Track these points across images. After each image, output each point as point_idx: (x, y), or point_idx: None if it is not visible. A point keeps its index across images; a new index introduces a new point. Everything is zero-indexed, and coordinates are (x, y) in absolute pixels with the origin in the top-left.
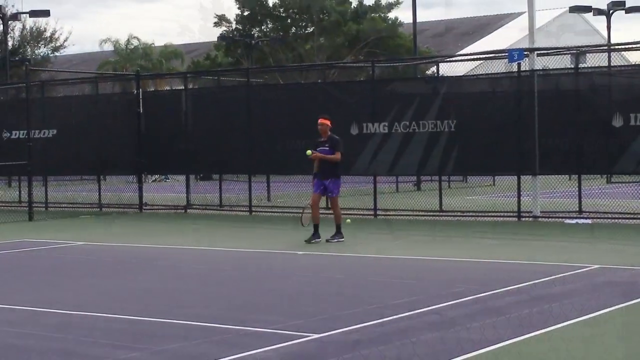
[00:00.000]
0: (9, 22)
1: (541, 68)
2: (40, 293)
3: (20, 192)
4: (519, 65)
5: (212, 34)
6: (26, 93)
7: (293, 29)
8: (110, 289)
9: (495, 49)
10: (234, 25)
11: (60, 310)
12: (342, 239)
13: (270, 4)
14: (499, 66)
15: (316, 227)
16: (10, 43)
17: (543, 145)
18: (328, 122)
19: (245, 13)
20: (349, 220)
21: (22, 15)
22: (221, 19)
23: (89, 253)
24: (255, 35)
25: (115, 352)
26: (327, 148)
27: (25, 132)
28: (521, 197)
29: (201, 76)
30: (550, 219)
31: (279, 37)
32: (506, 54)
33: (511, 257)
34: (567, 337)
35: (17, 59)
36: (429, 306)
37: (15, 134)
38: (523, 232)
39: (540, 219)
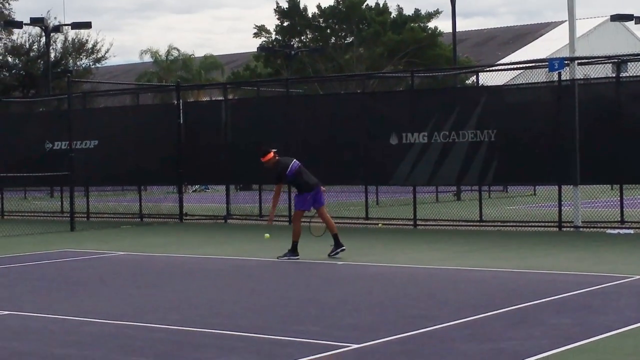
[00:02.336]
0: (52, 34)
1: (582, 77)
2: (82, 303)
3: (62, 202)
4: (559, 74)
5: (252, 45)
6: (68, 104)
7: (332, 39)
8: (150, 299)
9: (535, 58)
10: (273, 36)
11: (101, 319)
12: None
13: (310, 15)
14: (539, 75)
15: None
16: (52, 55)
17: (584, 155)
18: (269, 157)
19: (285, 24)
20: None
21: (64, 27)
22: (261, 30)
23: (129, 263)
24: (295, 45)
25: None
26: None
27: (67, 143)
28: (562, 207)
29: (241, 87)
30: (591, 229)
31: (319, 47)
32: (546, 64)
33: (552, 268)
34: (609, 348)
35: (59, 70)
36: (469, 317)
37: (58, 145)
38: (564, 242)
39: (581, 229)
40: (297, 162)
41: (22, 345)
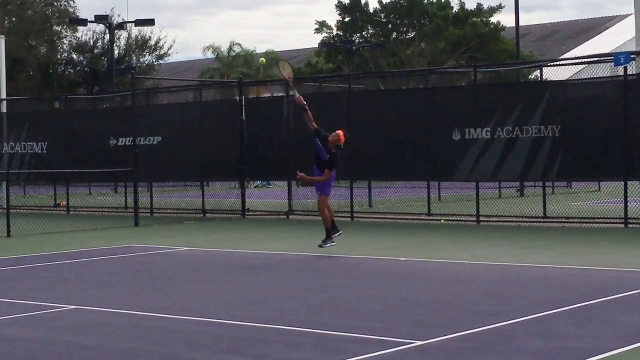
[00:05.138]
0: (115, 31)
1: None
2: (146, 297)
3: (126, 198)
4: (625, 68)
5: (313, 41)
6: (132, 101)
7: (394, 35)
8: (213, 294)
9: (600, 52)
10: (334, 32)
11: (166, 314)
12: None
13: (371, 10)
14: (604, 70)
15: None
16: (116, 52)
17: None
18: (343, 139)
19: (346, 19)
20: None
21: (127, 24)
22: (322, 26)
23: (193, 258)
24: (356, 41)
25: (220, 357)
26: (327, 156)
27: (131, 139)
28: (628, 203)
29: (302, 82)
30: None
31: (380, 42)
32: (612, 57)
33: (619, 265)
34: None
35: (122, 67)
36: (534, 314)
37: (122, 141)
38: (630, 239)
39: None
40: None
41: (88, 339)
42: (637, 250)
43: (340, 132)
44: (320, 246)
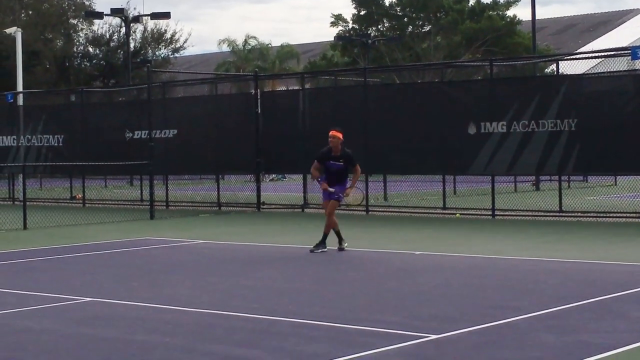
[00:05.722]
0: (131, 25)
1: None
2: (162, 290)
3: (142, 190)
4: None
5: (329, 34)
6: (148, 94)
7: (410, 28)
8: (229, 287)
9: (617, 46)
10: (350, 25)
11: (181, 307)
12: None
13: (387, 3)
14: (621, 64)
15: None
16: (132, 45)
17: None
18: (341, 136)
19: (362, 12)
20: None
21: (143, 17)
22: (338, 19)
23: (208, 251)
24: (372, 34)
25: (235, 350)
26: (341, 164)
27: (147, 132)
28: None
29: (318, 76)
30: None
31: (396, 36)
32: (629, 51)
33: (635, 259)
34: None
35: (138, 60)
36: (549, 308)
37: (138, 134)
38: None
39: None
40: None
41: (104, 332)
42: None
43: (332, 132)
44: (311, 251)
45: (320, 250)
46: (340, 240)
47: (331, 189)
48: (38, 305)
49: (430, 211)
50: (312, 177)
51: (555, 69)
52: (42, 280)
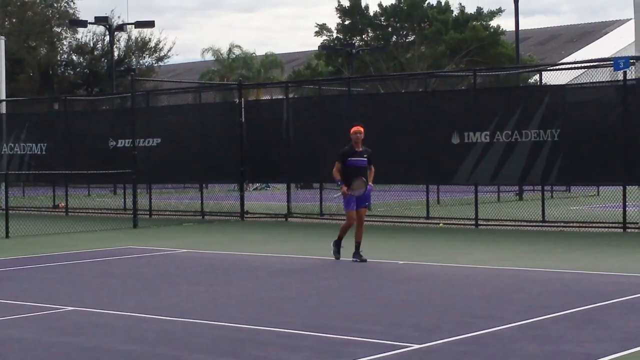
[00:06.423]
0: (115, 33)
1: None
2: (145, 299)
3: (125, 199)
4: (624, 73)
5: (313, 43)
6: (132, 102)
7: (394, 38)
8: (212, 297)
9: (599, 57)
10: (334, 35)
11: (163, 316)
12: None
13: (371, 13)
14: (603, 74)
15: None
16: (116, 53)
17: None
18: (363, 130)
19: (346, 22)
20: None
21: (127, 26)
22: (322, 28)
23: (191, 261)
24: (356, 44)
25: (219, 359)
26: (366, 159)
27: (130, 140)
28: (627, 208)
29: (302, 85)
30: None
31: (380, 46)
32: (611, 62)
33: (617, 269)
34: None
35: (122, 68)
36: (532, 318)
37: (121, 143)
38: (629, 243)
39: None
40: None
41: (85, 341)
42: (636, 255)
43: (357, 127)
44: (354, 260)
45: (358, 260)
46: (338, 249)
47: (353, 193)
48: (20, 315)
49: (414, 221)
50: (334, 178)
51: (538, 79)
52: (24, 289)
